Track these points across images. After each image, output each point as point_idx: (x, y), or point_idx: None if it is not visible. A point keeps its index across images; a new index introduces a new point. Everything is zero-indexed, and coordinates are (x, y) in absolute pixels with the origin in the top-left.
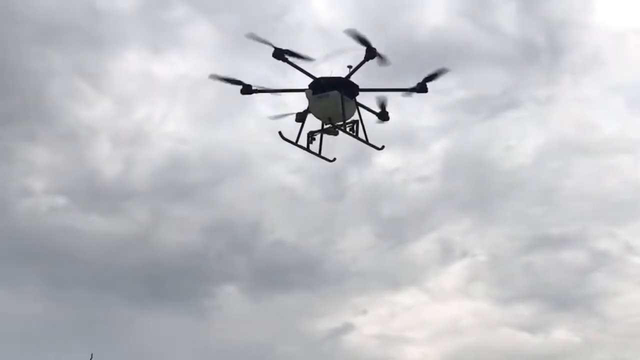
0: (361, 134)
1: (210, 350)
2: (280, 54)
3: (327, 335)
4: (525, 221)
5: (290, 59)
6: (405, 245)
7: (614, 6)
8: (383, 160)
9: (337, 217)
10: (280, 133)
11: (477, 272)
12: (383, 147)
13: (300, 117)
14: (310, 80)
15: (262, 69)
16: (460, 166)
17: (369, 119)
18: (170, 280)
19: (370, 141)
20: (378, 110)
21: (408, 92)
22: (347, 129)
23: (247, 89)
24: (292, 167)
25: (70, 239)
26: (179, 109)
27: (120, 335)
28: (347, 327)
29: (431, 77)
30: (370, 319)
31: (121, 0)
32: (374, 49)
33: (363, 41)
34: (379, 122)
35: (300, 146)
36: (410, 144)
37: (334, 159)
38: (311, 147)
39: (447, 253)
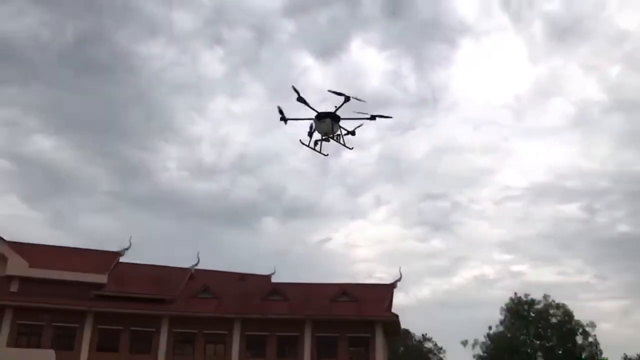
0: (341, 141)
1: (259, 249)
2: (301, 100)
3: (317, 242)
4: (420, 186)
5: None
6: (357, 197)
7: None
8: (347, 155)
9: (324, 184)
10: (300, 140)
11: (394, 211)
12: (352, 148)
13: (310, 133)
14: (315, 113)
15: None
16: (386, 159)
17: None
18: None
19: (346, 145)
20: (351, 130)
21: (365, 120)
22: (335, 139)
23: (283, 118)
24: (302, 159)
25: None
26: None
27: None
28: (327, 239)
29: (381, 116)
30: (339, 234)
31: None
32: (348, 96)
33: (340, 93)
34: (351, 135)
35: (310, 147)
36: (362, 147)
37: (327, 154)
38: (316, 148)
39: (379, 201)
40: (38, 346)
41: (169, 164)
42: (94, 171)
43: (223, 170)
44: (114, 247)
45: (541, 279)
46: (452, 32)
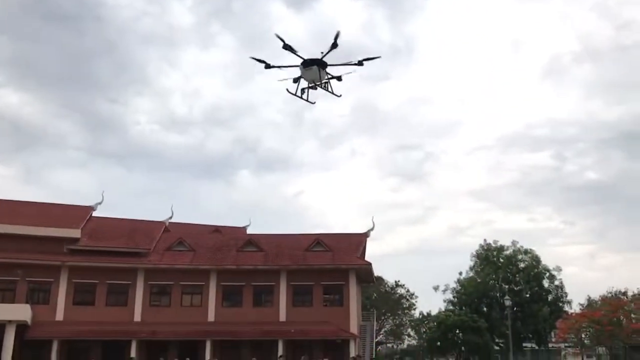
0: (329, 89)
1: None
2: (287, 47)
3: (292, 194)
4: (394, 137)
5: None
6: (332, 149)
7: None
8: (321, 106)
9: (299, 136)
10: (287, 89)
11: (369, 162)
12: (340, 95)
13: (296, 80)
14: (301, 60)
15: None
16: (360, 110)
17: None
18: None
19: (334, 92)
20: (337, 76)
21: (352, 66)
22: (322, 86)
23: (268, 66)
24: (277, 111)
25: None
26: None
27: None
28: (302, 191)
29: (368, 59)
30: (314, 186)
31: None
32: (336, 42)
33: (333, 46)
34: (337, 81)
35: (297, 96)
36: (335, 99)
37: (315, 102)
38: (303, 96)
39: (353, 152)
40: (13, 301)
41: (141, 117)
42: (64, 125)
43: (196, 123)
44: (86, 202)
45: (511, 226)
46: None
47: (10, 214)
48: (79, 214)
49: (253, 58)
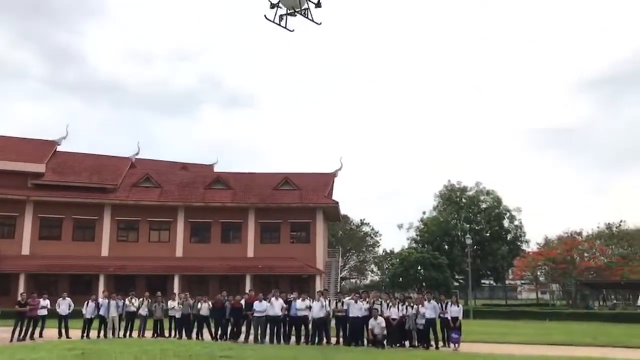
0: (309, 16)
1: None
2: None
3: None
4: None
5: None
6: None
7: None
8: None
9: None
10: (265, 16)
11: None
12: (321, 23)
13: (273, 6)
14: None
15: None
16: None
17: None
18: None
19: (314, 20)
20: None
21: None
22: (302, 13)
23: None
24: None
25: None
26: None
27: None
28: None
29: None
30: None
31: None
32: None
33: None
34: (316, 8)
35: (275, 23)
36: None
37: (293, 30)
38: (281, 23)
39: None
40: None
41: (102, 49)
42: (22, 56)
43: (160, 57)
44: (49, 135)
45: (476, 165)
46: None
47: None
48: (43, 148)
49: None
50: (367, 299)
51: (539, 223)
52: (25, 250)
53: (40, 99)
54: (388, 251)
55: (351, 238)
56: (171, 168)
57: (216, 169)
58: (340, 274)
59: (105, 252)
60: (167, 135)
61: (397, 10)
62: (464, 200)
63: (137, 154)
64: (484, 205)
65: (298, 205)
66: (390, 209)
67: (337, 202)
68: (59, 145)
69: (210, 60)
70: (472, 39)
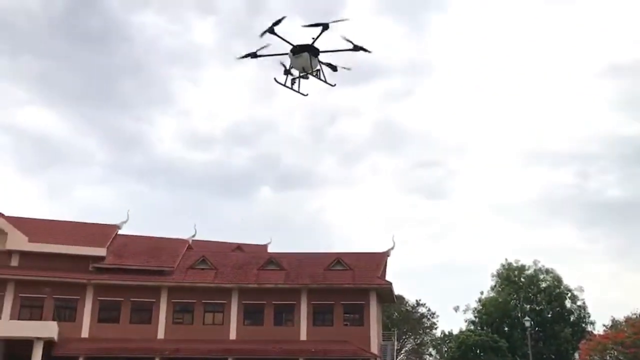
0: (322, 77)
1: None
2: (271, 31)
3: (313, 211)
4: (415, 153)
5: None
6: (353, 165)
7: None
8: (342, 122)
9: (319, 153)
10: (275, 79)
11: (390, 178)
12: (335, 85)
13: (286, 71)
14: (291, 46)
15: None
16: (380, 126)
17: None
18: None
19: (327, 81)
20: (332, 66)
21: (352, 50)
22: (314, 75)
23: (254, 55)
24: (297, 127)
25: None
26: None
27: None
28: (323, 207)
29: (362, 49)
30: (335, 203)
31: None
32: (326, 23)
33: (318, 24)
34: (332, 71)
35: (287, 87)
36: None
37: (307, 94)
38: (294, 87)
39: (374, 169)
40: (40, 318)
41: (164, 134)
42: (89, 143)
43: (218, 140)
44: (111, 219)
45: (532, 243)
46: None
47: (39, 233)
48: (104, 232)
49: (241, 57)
50: None
51: (604, 303)
52: (85, 333)
53: (102, 182)
54: (446, 333)
55: (407, 320)
56: (226, 249)
57: (270, 248)
58: (397, 357)
59: (161, 334)
60: (222, 215)
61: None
62: (522, 279)
63: (193, 235)
64: (543, 285)
65: (350, 286)
66: (446, 288)
67: (390, 283)
68: (119, 229)
69: (265, 141)
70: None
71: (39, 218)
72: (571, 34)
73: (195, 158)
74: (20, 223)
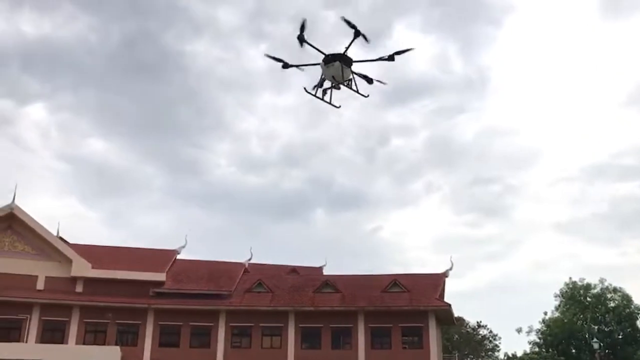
0: (354, 87)
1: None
2: (301, 39)
3: (368, 232)
4: (471, 171)
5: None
6: (407, 184)
7: None
8: (395, 142)
9: (373, 173)
10: (304, 89)
11: (445, 197)
12: (368, 95)
13: (320, 84)
14: (323, 56)
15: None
16: (434, 144)
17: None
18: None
19: (360, 92)
20: (368, 78)
21: (383, 60)
22: (346, 85)
23: (286, 65)
24: (349, 147)
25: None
26: None
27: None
28: (378, 228)
29: (400, 52)
30: (390, 223)
31: None
32: (358, 30)
33: (351, 25)
34: (368, 84)
35: (318, 97)
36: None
37: (340, 106)
38: (325, 98)
39: (429, 188)
40: (104, 343)
41: (220, 160)
42: (148, 170)
43: (272, 164)
44: (170, 243)
45: (599, 261)
46: (496, 11)
47: (101, 259)
48: (164, 257)
49: (268, 56)
50: None
51: None
52: (147, 357)
53: (161, 208)
54: (510, 355)
55: (468, 342)
56: (282, 271)
57: (325, 270)
58: None
59: (220, 358)
60: (277, 237)
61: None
62: (588, 299)
63: (250, 259)
64: (612, 304)
65: (408, 308)
66: (508, 308)
67: (449, 305)
68: (178, 254)
69: (318, 163)
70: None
71: (101, 245)
72: (632, 47)
73: (250, 181)
74: (84, 250)
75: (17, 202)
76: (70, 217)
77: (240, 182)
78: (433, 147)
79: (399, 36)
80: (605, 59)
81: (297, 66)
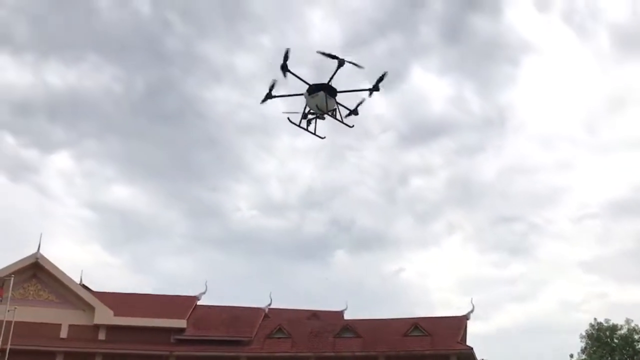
0: (338, 117)
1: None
2: (285, 69)
3: (390, 273)
4: (493, 210)
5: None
6: (428, 225)
7: None
8: (415, 182)
9: (393, 213)
10: (288, 119)
11: (468, 237)
12: (353, 125)
13: (305, 114)
14: (307, 86)
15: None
16: (455, 183)
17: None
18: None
19: (345, 122)
20: (352, 108)
21: (368, 90)
22: (330, 115)
23: (270, 96)
24: (369, 189)
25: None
26: None
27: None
28: (400, 269)
29: (380, 79)
30: (412, 264)
31: None
32: (342, 59)
33: (332, 56)
34: (354, 115)
35: (302, 127)
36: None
37: (324, 137)
38: (309, 128)
39: (451, 227)
40: None
41: (240, 203)
42: (169, 215)
43: (292, 206)
44: (191, 288)
45: (628, 299)
46: (514, 51)
47: (123, 306)
48: (184, 303)
49: (269, 97)
50: None
51: None
52: None
53: (182, 253)
54: None
55: None
56: (302, 316)
57: (347, 313)
58: None
59: None
60: (298, 281)
61: None
62: (615, 340)
63: (269, 304)
64: (639, 346)
65: (430, 352)
66: (535, 351)
67: (471, 348)
68: (199, 300)
69: (338, 205)
70: None
71: (122, 292)
72: None
73: (270, 225)
74: (106, 297)
75: (41, 250)
76: (94, 263)
77: (260, 225)
78: (454, 186)
79: (416, 78)
80: (626, 93)
81: (280, 96)
